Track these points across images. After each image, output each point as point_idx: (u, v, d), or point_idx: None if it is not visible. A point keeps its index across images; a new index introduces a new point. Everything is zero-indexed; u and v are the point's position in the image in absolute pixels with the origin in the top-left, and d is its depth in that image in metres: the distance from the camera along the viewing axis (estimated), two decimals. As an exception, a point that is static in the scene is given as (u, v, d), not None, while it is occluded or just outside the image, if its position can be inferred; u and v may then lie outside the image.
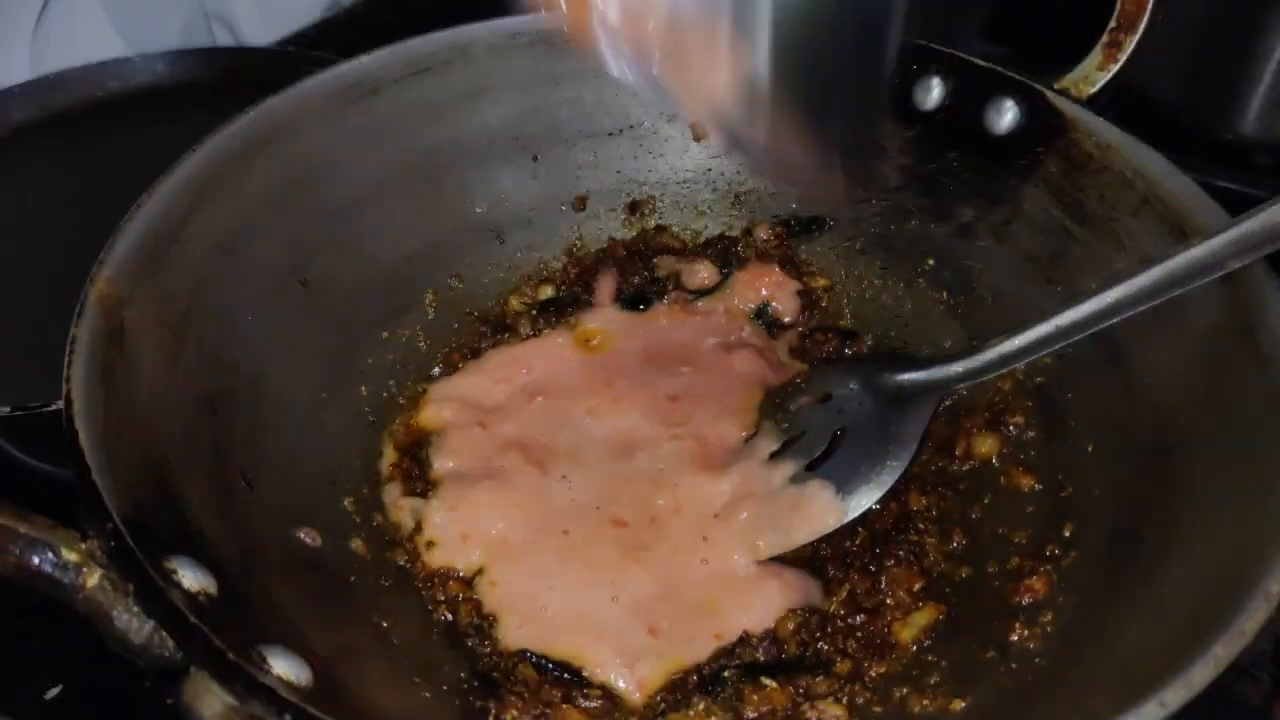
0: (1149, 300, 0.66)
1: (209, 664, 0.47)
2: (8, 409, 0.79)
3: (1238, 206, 0.72)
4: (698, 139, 0.98)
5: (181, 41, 1.40)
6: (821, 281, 0.96)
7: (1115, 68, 0.84)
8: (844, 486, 0.73)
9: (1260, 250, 0.62)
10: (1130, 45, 0.83)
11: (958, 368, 0.76)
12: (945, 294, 0.90)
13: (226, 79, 1.26)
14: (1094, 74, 0.84)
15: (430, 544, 0.75)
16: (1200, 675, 0.48)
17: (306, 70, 0.88)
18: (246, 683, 0.46)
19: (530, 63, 0.93)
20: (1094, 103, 0.84)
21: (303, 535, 0.70)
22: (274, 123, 0.82)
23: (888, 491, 0.77)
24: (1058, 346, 0.70)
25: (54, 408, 0.78)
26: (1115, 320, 0.68)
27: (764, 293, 0.94)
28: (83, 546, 0.50)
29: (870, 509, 0.76)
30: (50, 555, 0.49)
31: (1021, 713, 0.58)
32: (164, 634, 0.48)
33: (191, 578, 0.52)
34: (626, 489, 0.77)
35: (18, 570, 0.49)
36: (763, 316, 0.94)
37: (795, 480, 0.75)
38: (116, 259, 0.66)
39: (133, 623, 0.49)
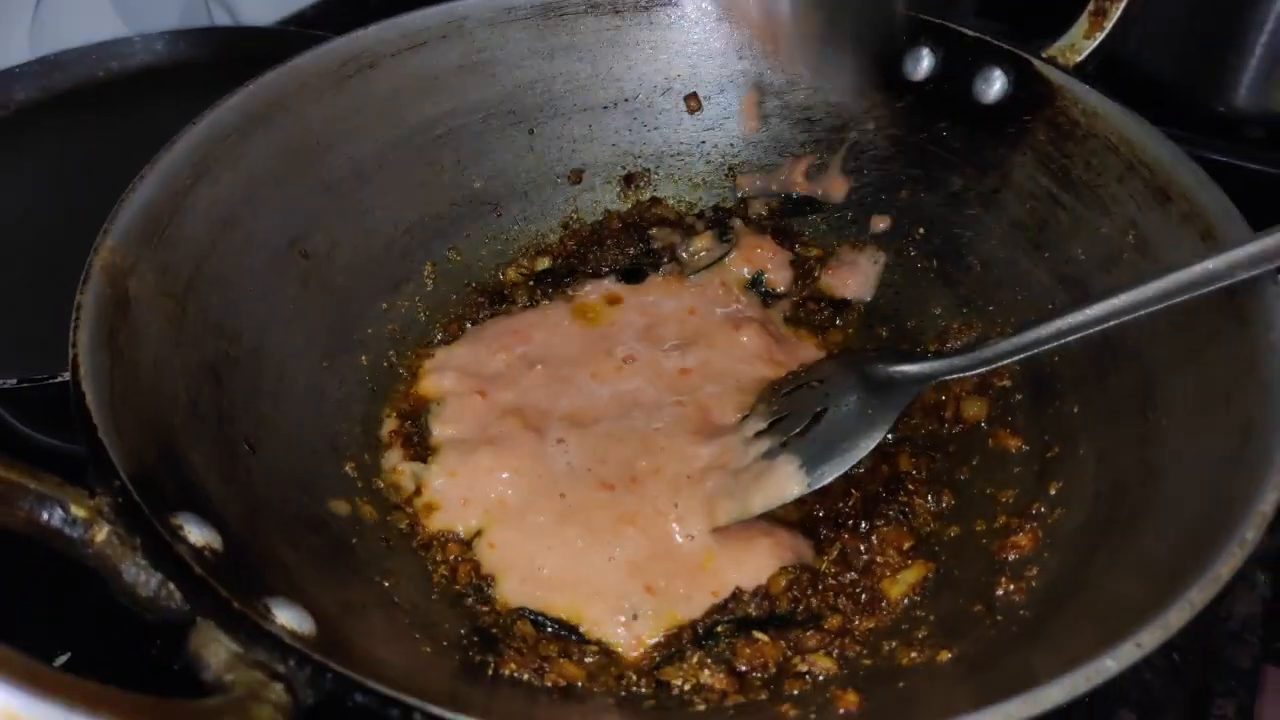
0: (1153, 306, 0.66)
1: (215, 613, 0.48)
2: (13, 381, 0.80)
3: (1230, 179, 0.73)
4: (692, 111, 0.99)
5: (180, 22, 1.41)
6: (814, 251, 0.97)
7: (1102, 35, 0.84)
8: (809, 461, 0.74)
9: (1273, 263, 0.62)
10: (1116, 12, 0.84)
11: (949, 363, 0.76)
12: (935, 262, 0.91)
13: (225, 58, 1.27)
14: (1080, 42, 0.85)
15: (430, 507, 0.76)
16: (1176, 618, 0.50)
17: (304, 48, 0.89)
18: (251, 630, 0.48)
19: (525, 36, 0.95)
20: (1081, 70, 0.85)
21: (333, 507, 0.73)
22: (272, 97, 0.83)
23: (878, 455, 0.78)
24: (1055, 345, 0.70)
25: (59, 379, 0.79)
26: (1119, 322, 0.67)
27: (758, 263, 0.95)
28: (90, 503, 0.51)
29: (858, 473, 0.77)
30: (60, 511, 0.50)
31: (1006, 660, 0.59)
32: (171, 586, 0.50)
33: (197, 533, 0.53)
34: (615, 449, 0.79)
35: (28, 526, 0.50)
36: (757, 286, 0.95)
37: (767, 455, 0.76)
38: (120, 229, 0.68)
39: (140, 576, 0.50)
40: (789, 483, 0.73)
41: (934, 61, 0.90)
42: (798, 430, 0.76)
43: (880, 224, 0.95)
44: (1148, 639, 0.49)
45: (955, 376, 0.75)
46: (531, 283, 0.95)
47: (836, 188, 0.96)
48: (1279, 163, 1.16)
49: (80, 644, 0.78)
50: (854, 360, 0.83)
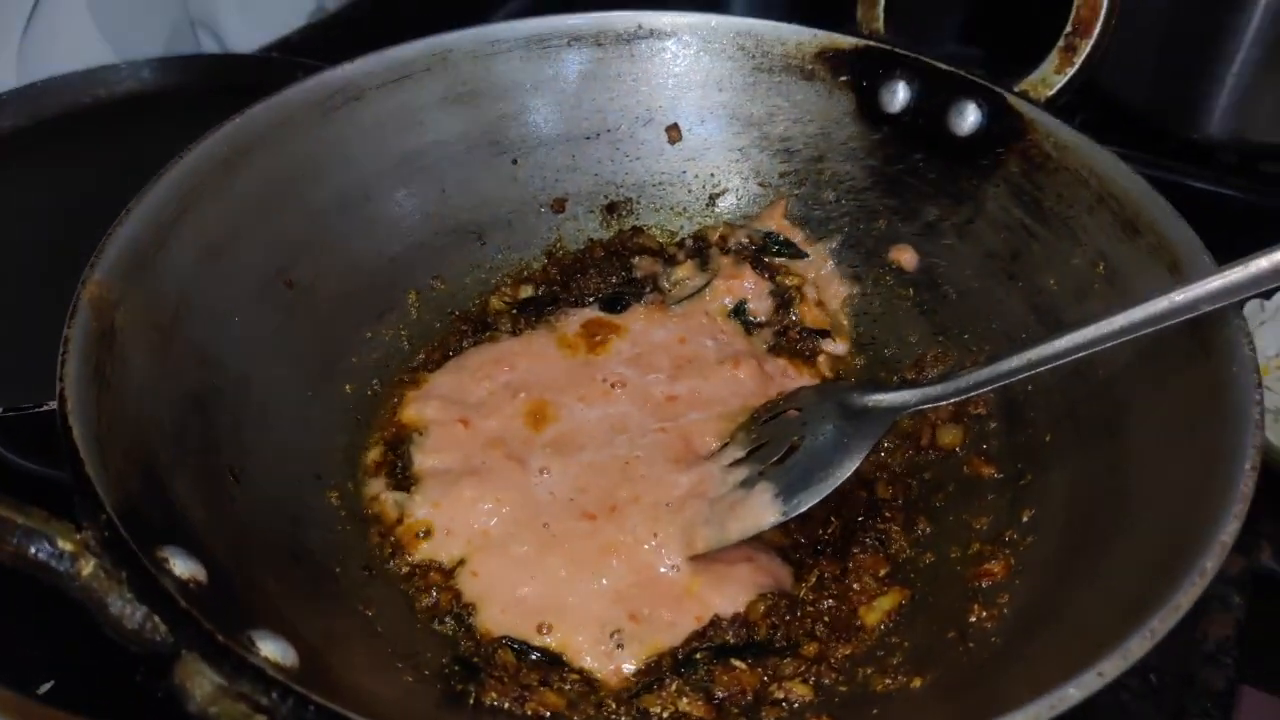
0: (1121, 337, 0.66)
1: (199, 646, 0.49)
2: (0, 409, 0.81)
3: (1204, 204, 0.75)
4: (673, 142, 1.01)
5: (167, 48, 1.42)
6: (794, 280, 0.98)
7: (1072, 70, 0.86)
8: (786, 489, 0.75)
9: (1237, 296, 0.64)
10: (1085, 49, 0.86)
11: (923, 392, 0.76)
12: (912, 291, 0.93)
13: (212, 85, 1.28)
14: (1051, 77, 0.87)
15: (413, 537, 0.77)
16: (1137, 647, 0.51)
17: (290, 76, 0.90)
18: (235, 663, 0.48)
19: (508, 69, 0.96)
20: (1053, 104, 0.87)
21: (316, 536, 0.73)
22: (258, 129, 0.84)
23: (857, 482, 0.79)
24: (1026, 375, 0.71)
25: (45, 408, 0.80)
26: (1088, 353, 0.68)
27: (739, 293, 0.96)
28: (78, 537, 0.52)
29: (838, 500, 0.78)
30: (47, 545, 0.51)
31: (977, 687, 0.61)
32: (156, 619, 0.51)
33: (182, 566, 0.54)
34: (596, 478, 0.80)
35: (15, 559, 0.51)
36: (740, 315, 0.96)
37: (745, 484, 0.77)
38: (107, 262, 0.68)
39: (126, 609, 0.51)
40: (765, 511, 0.74)
41: (910, 94, 0.92)
42: (775, 459, 0.77)
43: (843, 291, 0.97)
44: (1109, 668, 0.50)
45: (930, 406, 0.77)
46: (515, 311, 0.96)
47: (807, 242, 0.99)
48: (1251, 188, 1.19)
49: (63, 672, 0.78)
50: (831, 390, 0.84)
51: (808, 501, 0.74)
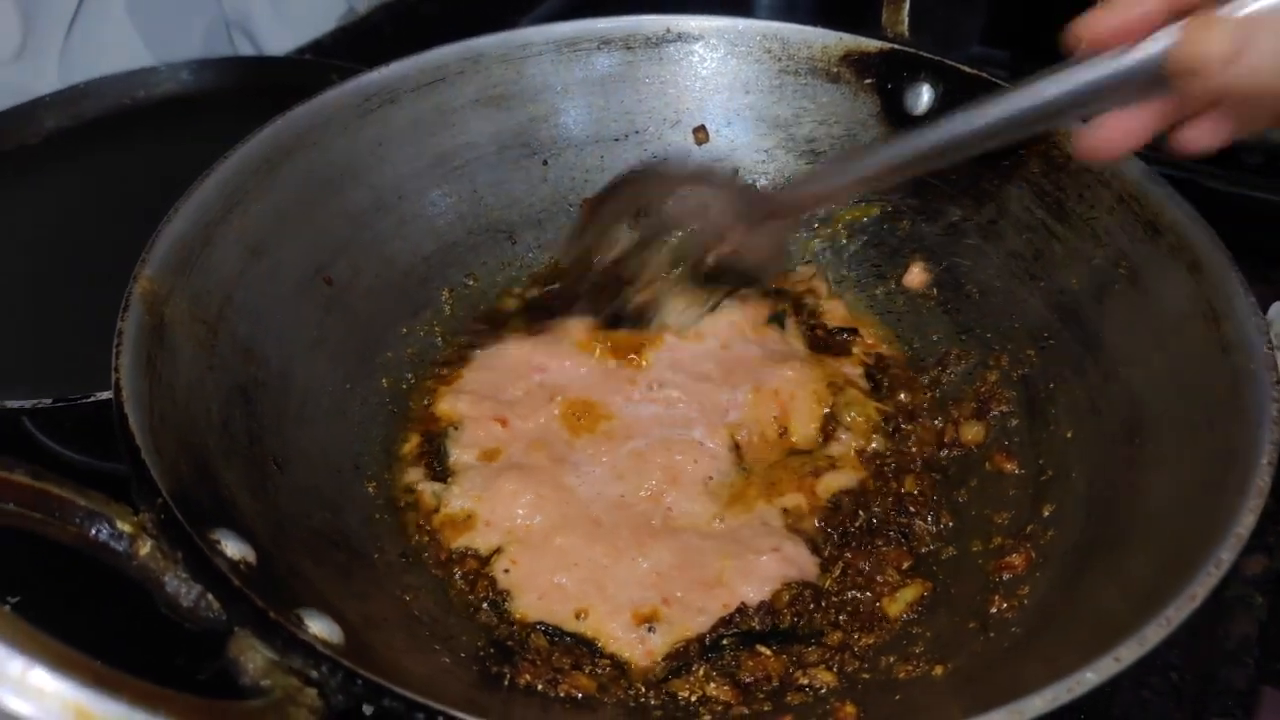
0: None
1: (252, 623, 0.52)
2: (49, 401, 0.83)
3: (1230, 206, 0.75)
4: (700, 143, 1.03)
5: (203, 50, 1.45)
6: (802, 286, 0.99)
7: (1093, 74, 0.87)
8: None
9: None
10: (1106, 52, 0.86)
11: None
12: (935, 290, 0.94)
13: (247, 87, 1.31)
14: (1072, 80, 0.88)
15: (450, 526, 0.79)
16: (1153, 634, 0.53)
17: (324, 78, 0.92)
18: (287, 638, 0.51)
19: (539, 72, 0.98)
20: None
21: (355, 524, 0.76)
22: (298, 131, 0.87)
23: (887, 477, 0.83)
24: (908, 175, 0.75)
25: (92, 399, 0.82)
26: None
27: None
28: (135, 519, 0.55)
29: (867, 494, 0.81)
30: (107, 526, 0.54)
31: (997, 675, 0.62)
32: (210, 597, 0.53)
33: (234, 548, 0.56)
34: (635, 467, 0.81)
35: (78, 540, 0.53)
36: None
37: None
38: (157, 259, 0.71)
39: (181, 588, 0.54)
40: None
41: (933, 96, 0.94)
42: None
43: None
44: (1125, 654, 0.52)
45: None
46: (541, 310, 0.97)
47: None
48: (1276, 189, 1.19)
49: (109, 653, 0.81)
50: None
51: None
